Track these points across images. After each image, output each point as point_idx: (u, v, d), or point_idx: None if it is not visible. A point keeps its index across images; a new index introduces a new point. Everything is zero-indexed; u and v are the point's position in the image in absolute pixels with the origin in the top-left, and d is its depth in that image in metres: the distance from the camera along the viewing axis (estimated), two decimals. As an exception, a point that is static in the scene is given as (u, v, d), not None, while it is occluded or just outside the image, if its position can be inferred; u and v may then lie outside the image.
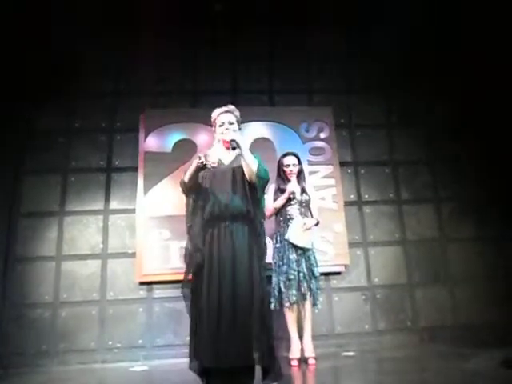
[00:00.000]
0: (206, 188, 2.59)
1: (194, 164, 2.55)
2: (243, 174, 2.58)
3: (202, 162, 2.51)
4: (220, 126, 2.72)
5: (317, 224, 3.62)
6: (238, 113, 2.79)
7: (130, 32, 4.77)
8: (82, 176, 4.47)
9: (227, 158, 2.69)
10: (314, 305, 3.49)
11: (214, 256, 2.44)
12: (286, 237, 3.46)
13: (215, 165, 2.57)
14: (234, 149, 2.57)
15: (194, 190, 2.62)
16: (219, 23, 4.78)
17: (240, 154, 2.59)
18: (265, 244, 2.60)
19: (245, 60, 4.97)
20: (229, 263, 2.40)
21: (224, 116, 2.73)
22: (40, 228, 4.28)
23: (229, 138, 2.59)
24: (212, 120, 2.79)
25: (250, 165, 2.53)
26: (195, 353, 2.40)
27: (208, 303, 2.36)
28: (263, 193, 2.67)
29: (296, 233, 3.45)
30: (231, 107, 2.78)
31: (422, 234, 4.65)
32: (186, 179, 2.60)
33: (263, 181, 2.58)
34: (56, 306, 4.09)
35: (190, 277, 2.54)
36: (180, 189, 2.68)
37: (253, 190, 2.58)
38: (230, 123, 2.71)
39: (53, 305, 4.09)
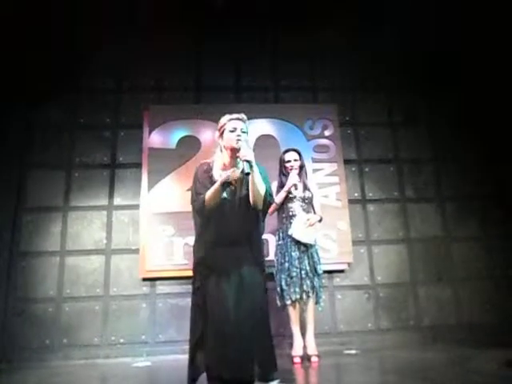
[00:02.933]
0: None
1: (218, 181, 2.43)
2: (247, 196, 2.49)
3: (234, 171, 2.43)
4: (231, 131, 2.51)
5: (320, 220, 3.62)
6: (247, 123, 2.60)
7: (134, 28, 4.73)
8: (86, 172, 4.48)
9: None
10: (317, 303, 3.48)
11: (216, 271, 2.40)
12: (290, 232, 3.45)
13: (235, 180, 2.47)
14: (247, 174, 2.35)
15: (213, 207, 2.45)
16: (223, 19, 4.75)
17: (247, 174, 2.38)
18: (263, 259, 2.57)
19: (249, 56, 4.94)
20: (235, 278, 2.37)
21: (236, 122, 2.54)
22: (44, 223, 4.29)
23: (244, 157, 2.36)
24: (220, 125, 2.59)
25: (260, 190, 2.43)
26: (197, 363, 2.36)
27: (213, 317, 2.32)
28: (266, 214, 2.63)
29: (299, 229, 3.44)
30: (243, 116, 2.58)
31: (425, 232, 4.63)
32: (208, 199, 2.42)
33: (267, 205, 2.52)
34: (59, 301, 4.11)
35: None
36: (189, 202, 2.56)
37: (255, 211, 2.52)
38: (243, 131, 2.52)
39: (56, 300, 4.11)
